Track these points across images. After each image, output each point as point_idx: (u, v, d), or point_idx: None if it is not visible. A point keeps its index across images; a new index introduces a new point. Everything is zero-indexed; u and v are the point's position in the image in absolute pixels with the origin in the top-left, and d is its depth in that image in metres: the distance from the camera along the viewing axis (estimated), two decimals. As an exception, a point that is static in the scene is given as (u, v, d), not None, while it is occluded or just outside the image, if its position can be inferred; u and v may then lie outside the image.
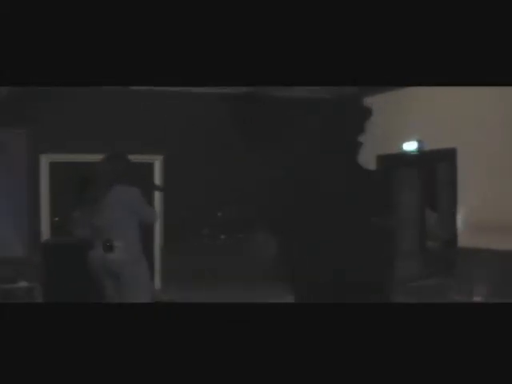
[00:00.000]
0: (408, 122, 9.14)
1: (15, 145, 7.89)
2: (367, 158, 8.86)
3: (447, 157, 8.57)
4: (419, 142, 8.91)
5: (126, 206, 5.54)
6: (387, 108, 9.00)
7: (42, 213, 8.80)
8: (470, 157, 8.12)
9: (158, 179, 9.37)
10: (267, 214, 3.11)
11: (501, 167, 7.68)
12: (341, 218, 2.94)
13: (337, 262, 2.93)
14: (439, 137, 8.55)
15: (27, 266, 7.98)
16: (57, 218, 8.94)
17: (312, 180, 2.98)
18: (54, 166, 8.86)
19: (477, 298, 7.32)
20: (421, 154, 8.94)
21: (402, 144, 8.99)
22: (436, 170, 9.97)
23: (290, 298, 3.07)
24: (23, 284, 7.69)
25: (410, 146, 8.98)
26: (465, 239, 8.18)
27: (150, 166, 9.39)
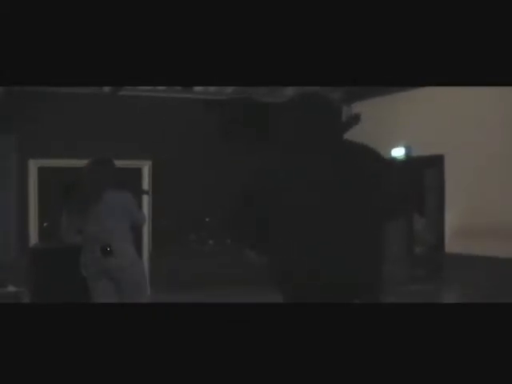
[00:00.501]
0: (396, 127, 9.19)
1: (3, 149, 7.87)
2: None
3: (435, 162, 8.63)
4: (407, 147, 8.97)
5: (117, 210, 5.56)
6: (375, 112, 9.05)
7: (30, 217, 8.79)
8: (457, 161, 8.18)
9: (146, 184, 9.39)
10: (255, 216, 3.11)
11: (489, 171, 7.73)
12: (333, 220, 2.96)
13: (325, 263, 2.94)
14: (427, 141, 8.60)
15: (15, 270, 7.97)
16: (46, 223, 8.93)
17: (299, 183, 3.00)
18: (42, 171, 8.86)
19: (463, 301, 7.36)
20: (408, 159, 8.99)
21: (390, 149, 9.04)
22: (424, 174, 10.02)
23: (279, 299, 3.08)
24: (11, 289, 7.68)
25: (398, 151, 9.04)
26: (452, 244, 8.23)
27: (138, 171, 9.40)
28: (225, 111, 8.40)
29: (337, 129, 3.14)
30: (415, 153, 8.93)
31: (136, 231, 5.93)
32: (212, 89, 9.12)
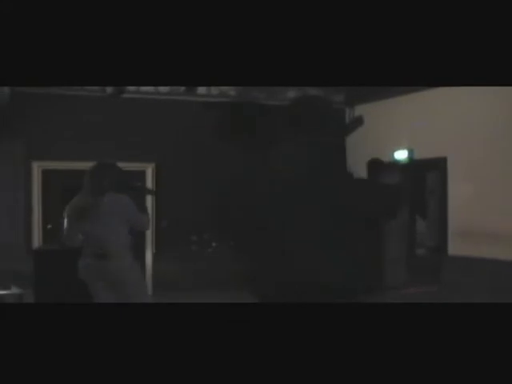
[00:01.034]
0: (398, 130, 9.21)
1: (8, 152, 7.90)
2: (357, 166, 8.95)
3: (437, 164, 8.65)
4: (409, 150, 8.99)
5: (116, 213, 5.57)
6: (378, 116, 9.07)
7: (34, 219, 8.82)
8: (459, 164, 8.19)
9: (150, 186, 9.41)
10: (256, 218, 3.12)
11: (492, 174, 7.74)
12: (331, 223, 2.98)
13: (323, 265, 2.96)
14: (429, 144, 8.62)
15: (19, 272, 7.99)
16: (50, 226, 8.95)
17: (300, 187, 3.01)
18: (46, 173, 8.89)
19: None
20: (411, 162, 9.01)
21: (392, 152, 9.05)
22: (426, 177, 10.04)
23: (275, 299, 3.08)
24: (15, 290, 7.69)
25: (401, 154, 9.06)
26: (453, 247, 8.24)
27: (142, 173, 9.42)
28: (228, 113, 8.39)
29: (339, 131, 3.16)
30: (418, 155, 8.94)
31: (136, 234, 5.91)
32: (215, 91, 9.16)
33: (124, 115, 9.09)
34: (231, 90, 9.29)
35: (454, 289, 7.79)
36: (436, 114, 8.57)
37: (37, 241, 8.81)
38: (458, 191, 8.21)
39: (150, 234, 9.40)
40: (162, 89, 9.12)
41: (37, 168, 8.80)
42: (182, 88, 9.02)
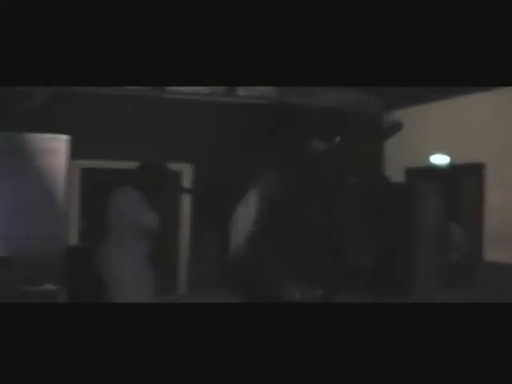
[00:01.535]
0: (436, 135, 9.15)
1: (53, 150, 7.95)
2: (394, 171, 8.93)
3: (474, 170, 8.57)
4: (447, 154, 8.92)
5: (125, 211, 5.65)
6: (415, 121, 9.01)
7: (71, 217, 8.90)
8: (497, 170, 8.11)
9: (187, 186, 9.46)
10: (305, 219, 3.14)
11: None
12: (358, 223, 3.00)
13: (326, 265, 2.98)
14: (467, 150, 8.55)
15: (53, 268, 8.06)
16: (85, 223, 9.05)
17: (331, 192, 3.03)
18: (84, 172, 8.99)
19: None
20: (448, 168, 8.94)
21: (429, 157, 9.00)
22: (462, 183, 9.95)
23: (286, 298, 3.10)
24: (48, 287, 7.76)
25: (438, 159, 9.00)
26: (489, 253, 8.17)
27: (179, 173, 9.46)
28: (265, 116, 8.41)
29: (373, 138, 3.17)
30: (455, 161, 8.87)
31: (148, 233, 5.92)
32: (255, 93, 9.14)
33: (163, 115, 9.13)
34: (271, 92, 9.26)
35: (489, 294, 7.72)
36: (474, 118, 8.50)
37: (72, 238, 8.89)
38: (496, 197, 8.13)
39: (184, 233, 9.44)
40: (202, 89, 9.13)
41: (77, 166, 8.88)
42: (222, 89, 9.05)
